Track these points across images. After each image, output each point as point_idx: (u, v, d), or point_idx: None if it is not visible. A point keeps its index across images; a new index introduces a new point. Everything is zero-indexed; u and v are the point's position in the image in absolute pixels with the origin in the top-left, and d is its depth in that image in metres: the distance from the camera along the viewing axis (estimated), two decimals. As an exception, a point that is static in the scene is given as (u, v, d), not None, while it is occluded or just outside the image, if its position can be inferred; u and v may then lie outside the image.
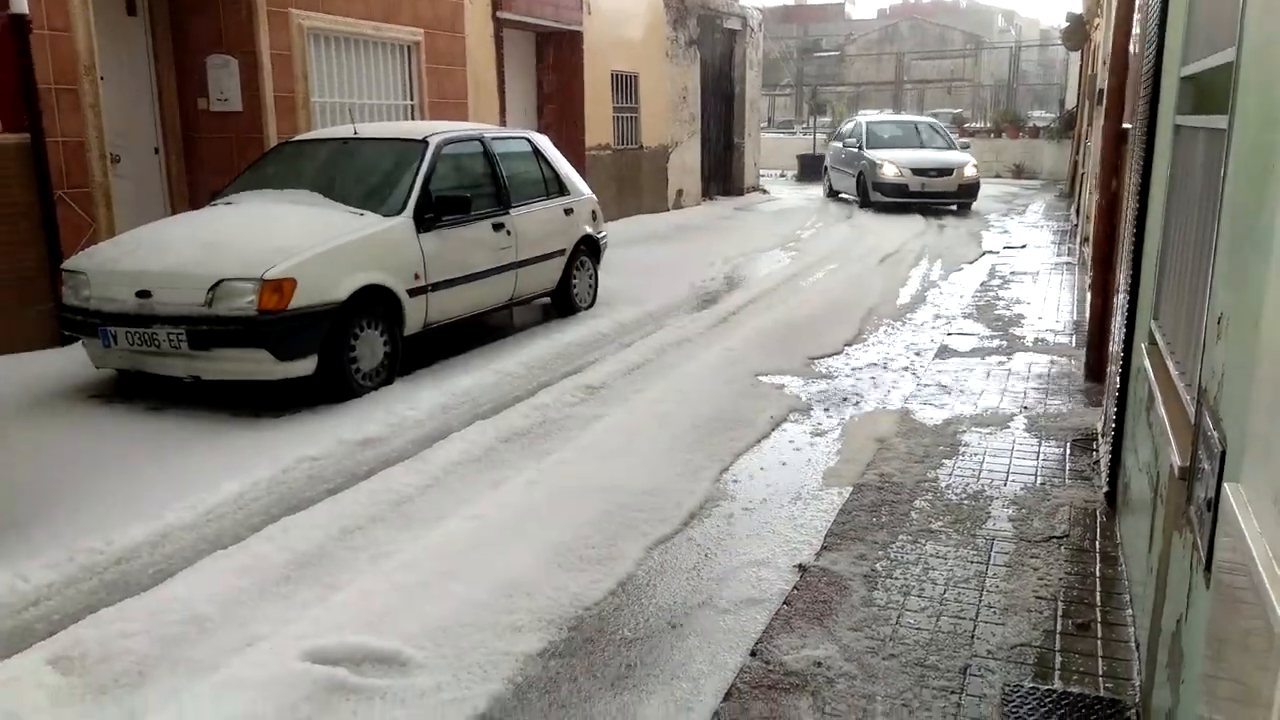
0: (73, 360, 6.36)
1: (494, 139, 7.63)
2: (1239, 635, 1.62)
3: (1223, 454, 1.89)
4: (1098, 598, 3.47)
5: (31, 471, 4.59)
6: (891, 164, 16.98)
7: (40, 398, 5.79)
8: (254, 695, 2.86)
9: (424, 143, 6.84)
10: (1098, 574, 3.65)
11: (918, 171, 16.84)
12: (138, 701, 2.88)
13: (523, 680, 3.03)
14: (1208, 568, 1.95)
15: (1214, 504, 1.91)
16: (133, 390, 5.94)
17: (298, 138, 7.64)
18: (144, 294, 5.52)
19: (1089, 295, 6.28)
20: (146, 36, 8.54)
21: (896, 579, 3.64)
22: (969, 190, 17.03)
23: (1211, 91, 2.81)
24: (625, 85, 15.55)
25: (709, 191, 19.00)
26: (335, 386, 5.75)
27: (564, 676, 3.05)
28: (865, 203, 17.32)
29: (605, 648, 3.22)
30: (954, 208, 17.07)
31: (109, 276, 5.67)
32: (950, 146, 18.25)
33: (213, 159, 8.81)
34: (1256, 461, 1.64)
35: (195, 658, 3.10)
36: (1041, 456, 4.90)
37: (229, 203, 6.71)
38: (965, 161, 17.12)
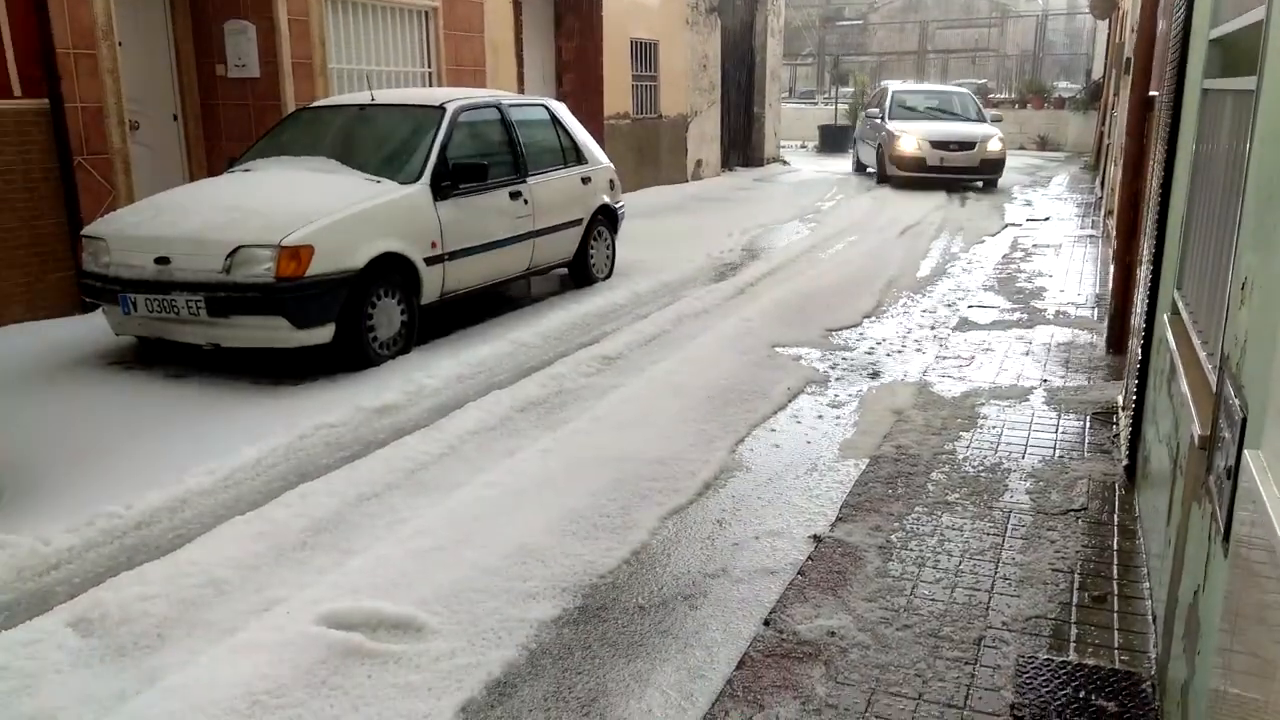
0: (93, 327, 6.41)
1: (511, 106, 7.58)
2: (1257, 605, 1.59)
3: (1244, 421, 1.86)
4: (1115, 570, 3.45)
5: (52, 437, 4.63)
6: (910, 136, 15.75)
7: (61, 364, 5.83)
8: (270, 658, 2.89)
9: (441, 109, 6.81)
10: (1115, 547, 3.62)
11: (936, 145, 15.60)
12: (156, 663, 2.91)
13: (536, 647, 3.04)
14: (1226, 538, 1.92)
15: (1234, 472, 1.89)
16: (153, 357, 5.98)
17: (315, 104, 7.62)
18: (163, 260, 5.54)
19: (1112, 267, 6.19)
20: (164, 2, 8.52)
21: (912, 550, 3.63)
22: (992, 166, 15.81)
23: (1240, 53, 2.74)
24: (645, 53, 15.41)
25: (729, 162, 18.87)
26: (353, 355, 5.76)
27: (577, 644, 3.07)
28: (883, 177, 16.28)
29: (619, 616, 3.23)
30: (979, 184, 16.00)
31: (128, 243, 5.69)
32: (980, 119, 16.76)
33: (231, 126, 8.81)
34: (1277, 427, 1.61)
35: (213, 621, 3.14)
36: (1061, 429, 4.86)
37: (246, 169, 6.71)
38: (990, 135, 15.77)
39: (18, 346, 6.05)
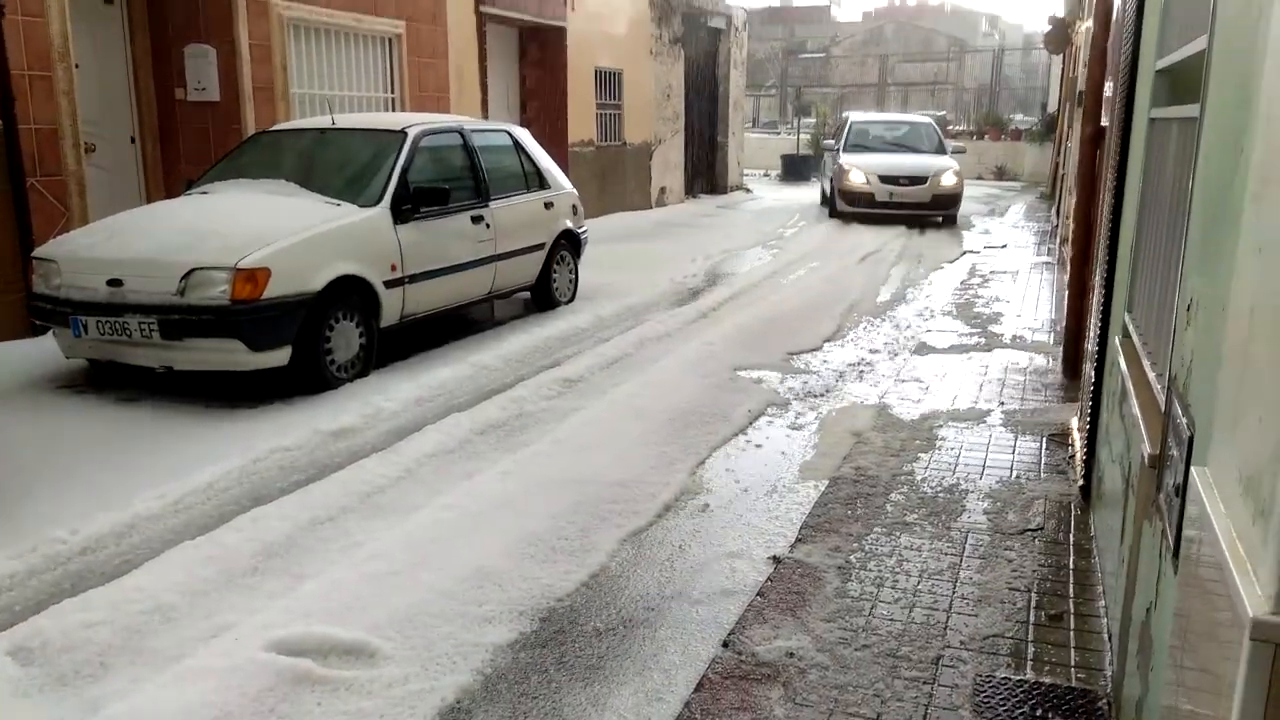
0: (44, 350, 6.27)
1: (473, 131, 7.58)
2: (1204, 620, 1.60)
3: (1190, 439, 1.88)
4: (1071, 589, 3.47)
5: (2, 461, 4.52)
6: (859, 170, 14.85)
7: (10, 387, 5.70)
8: (217, 685, 2.82)
9: (402, 134, 6.79)
10: (1071, 566, 3.65)
11: (886, 179, 14.69)
12: (98, 692, 2.83)
13: (492, 671, 2.99)
14: (1175, 554, 1.94)
15: (1182, 490, 1.90)
16: (105, 381, 5.87)
17: (275, 128, 7.57)
18: (115, 283, 5.45)
19: (1066, 292, 6.29)
20: (123, 25, 8.44)
21: (870, 571, 3.63)
22: (946, 201, 14.77)
23: (1185, 82, 2.81)
24: (609, 82, 15.51)
25: (692, 189, 18.99)
26: (310, 378, 5.69)
27: (534, 668, 3.02)
28: (833, 212, 15.27)
29: (576, 639, 3.19)
30: (939, 219, 15.09)
31: (80, 264, 5.59)
32: (939, 150, 15.95)
33: (190, 149, 8.72)
34: (1223, 444, 1.63)
35: (159, 648, 3.05)
36: (1017, 451, 4.91)
37: (204, 192, 6.64)
38: (944, 169, 14.80)
39: (-36, 370, 5.91)
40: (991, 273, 10.66)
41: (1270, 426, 1.32)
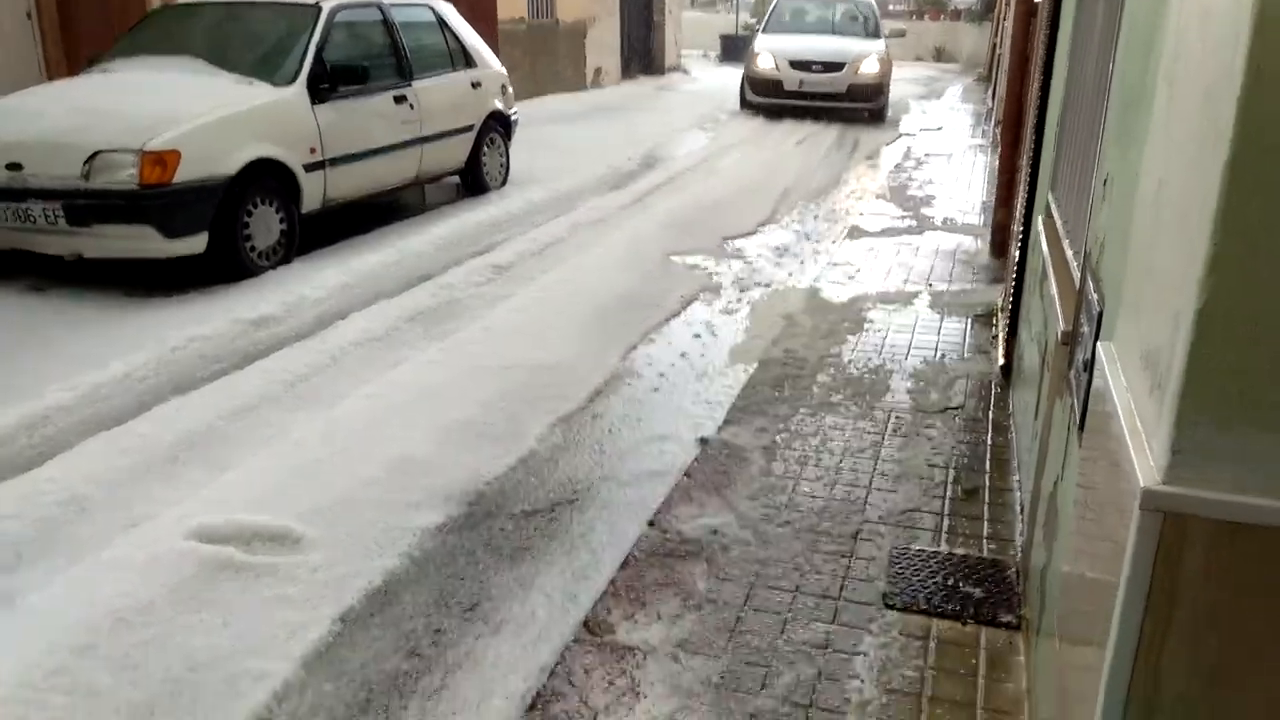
0: (-57, 239, 5.96)
1: (393, 6, 7.20)
2: (1102, 491, 1.65)
3: (1100, 315, 1.90)
4: (987, 465, 3.57)
5: (-102, 354, 4.33)
6: (767, 54, 13.19)
7: (-92, 278, 5.43)
8: (138, 575, 2.79)
9: (316, 7, 6.44)
10: (989, 443, 3.75)
11: (796, 64, 12.94)
12: (13, 583, 2.78)
13: (420, 555, 3.00)
14: (1081, 428, 1.98)
15: (1089, 365, 1.93)
16: (12, 269, 5.61)
17: (181, 1, 7.12)
18: (14, 166, 5.17)
19: (997, 174, 6.31)
20: (7, -117, 7.79)
21: (795, 450, 3.69)
22: (866, 93, 12.92)
23: (1115, -48, 2.74)
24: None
25: (629, 71, 18.51)
26: (229, 265, 5.51)
27: (461, 550, 3.04)
28: (743, 103, 13.68)
29: (504, 522, 3.21)
30: (864, 114, 13.15)
31: (-26, 147, 5.27)
32: (872, 34, 14.10)
33: (91, 25, 8.19)
34: (1127, 319, 1.64)
35: (76, 538, 3.00)
36: (943, 332, 4.98)
37: (106, 70, 6.27)
38: (865, 54, 13.00)
39: None
40: (926, 155, 10.65)
41: (1169, 300, 1.32)
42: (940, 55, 24.88)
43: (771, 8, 15.28)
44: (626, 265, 6.08)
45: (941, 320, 5.16)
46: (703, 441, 3.76)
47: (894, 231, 7.15)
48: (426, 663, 2.54)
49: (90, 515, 3.13)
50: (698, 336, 4.95)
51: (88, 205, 5.08)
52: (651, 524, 3.17)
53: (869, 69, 12.95)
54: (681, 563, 2.96)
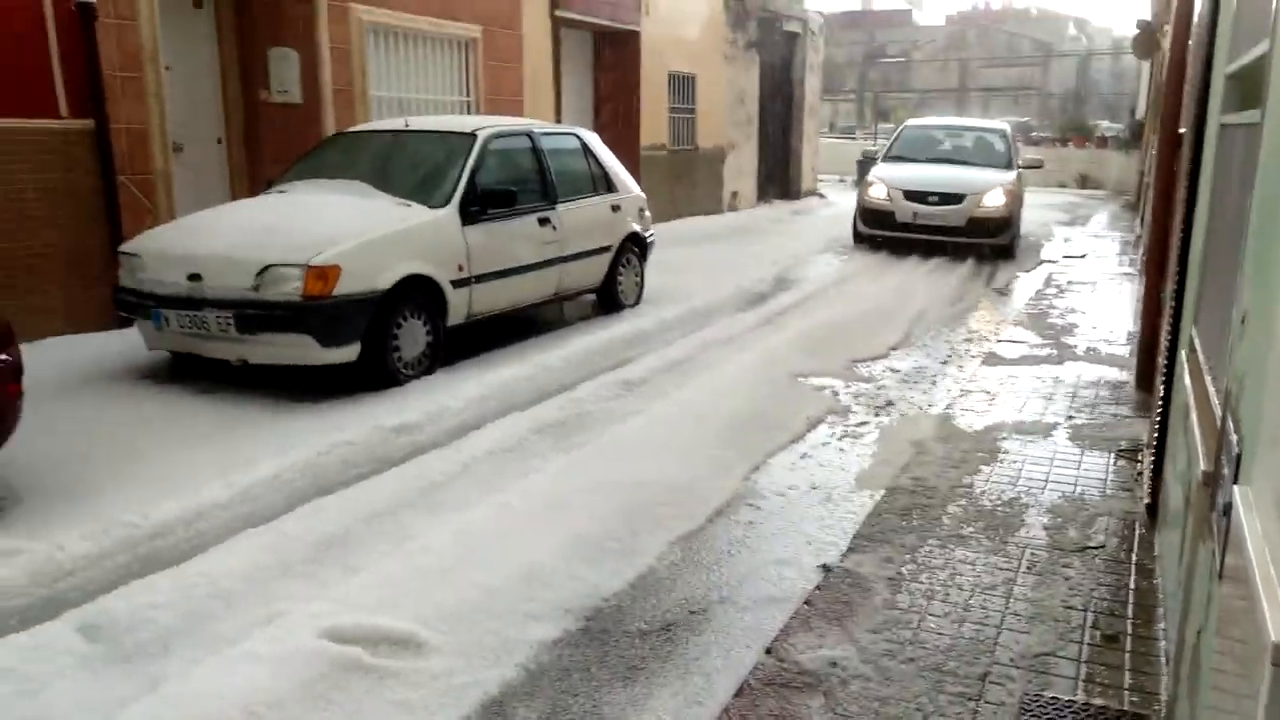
0: (129, 342, 6.53)
1: (543, 134, 7.67)
2: (1239, 645, 1.56)
3: (1239, 456, 1.83)
4: (1130, 610, 3.37)
5: (81, 447, 4.72)
6: (881, 183, 12.39)
7: (96, 377, 5.95)
8: (271, 670, 2.91)
9: (472, 136, 6.91)
10: (1131, 586, 3.54)
11: (911, 195, 11.98)
12: (159, 670, 2.95)
13: (535, 667, 3.04)
14: (1221, 576, 1.88)
15: (1228, 509, 1.85)
16: (184, 372, 6.08)
17: (352, 129, 7.77)
18: (195, 277, 5.65)
19: (1143, 304, 6.12)
20: (211, 28, 8.75)
21: (921, 583, 3.58)
22: (989, 227, 11.76)
23: (1252, 87, 2.72)
24: (682, 86, 15.54)
25: (765, 194, 18.90)
26: (377, 374, 5.83)
27: (576, 665, 3.06)
28: (856, 236, 12.83)
29: (619, 639, 3.21)
30: (986, 249, 11.99)
31: (163, 259, 5.81)
32: (1004, 164, 12.86)
33: (272, 149, 8.98)
34: (1265, 461, 1.58)
35: (218, 631, 3.17)
36: (1083, 467, 4.78)
37: (282, 191, 6.85)
38: (990, 185, 11.91)
39: (55, 359, 6.17)
40: (1069, 283, 10.39)
41: (1306, 445, 1.28)
42: (1085, 182, 24.46)
43: (895, 134, 14.61)
44: (754, 385, 6.12)
45: (1082, 454, 4.96)
46: (825, 569, 3.70)
47: (1032, 360, 6.97)
48: (536, 778, 2.54)
49: (233, 609, 3.30)
50: (822, 459, 4.91)
51: (256, 315, 5.49)
52: (769, 651, 3.12)
53: (993, 202, 11.83)
54: (798, 694, 2.89)
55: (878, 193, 12.36)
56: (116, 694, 2.81)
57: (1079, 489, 4.49)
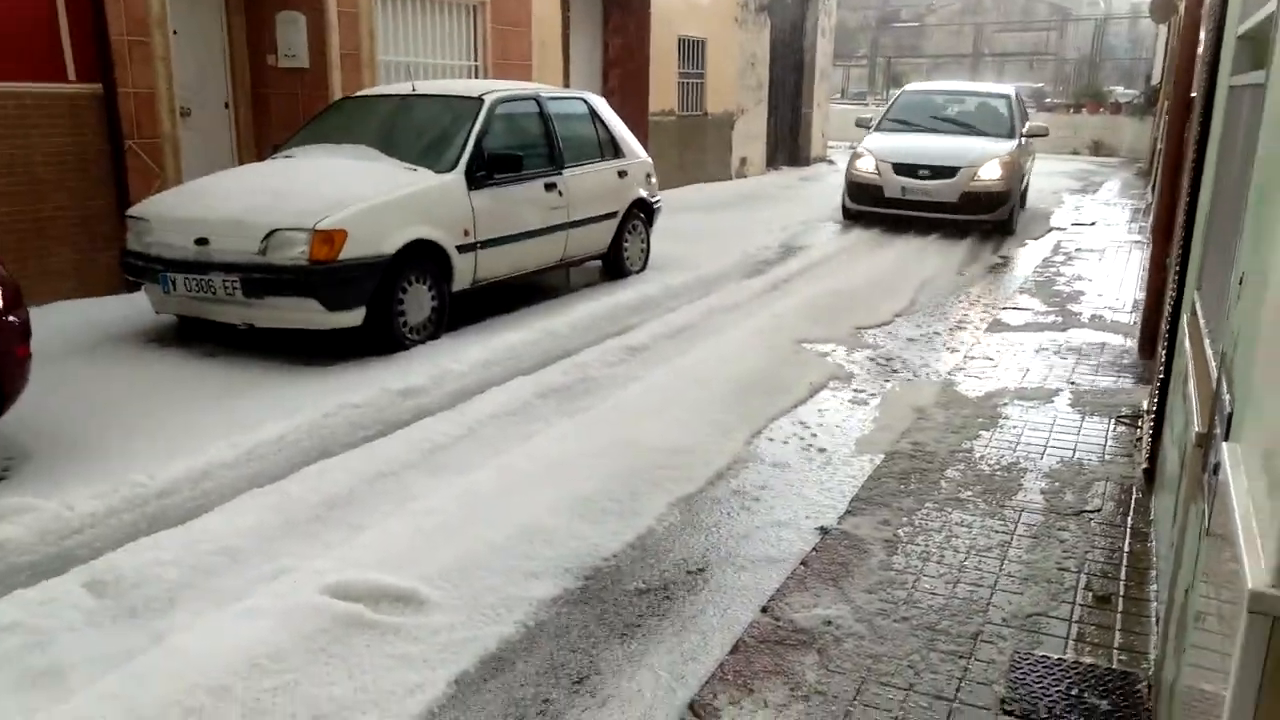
0: (136, 306, 6.57)
1: (550, 99, 7.64)
2: (1219, 597, 1.58)
3: (1230, 415, 1.84)
4: (1123, 572, 3.40)
5: (89, 409, 4.77)
6: (870, 155, 11.46)
7: (103, 340, 6.00)
8: (273, 625, 2.96)
9: (479, 101, 6.89)
10: (1126, 549, 3.57)
11: (900, 169, 11.10)
12: (164, 624, 3.00)
13: (534, 624, 3.08)
14: (1208, 533, 1.90)
15: (1219, 468, 1.86)
16: (191, 336, 6.13)
17: (358, 94, 7.75)
18: (202, 241, 5.67)
19: (1149, 270, 6.09)
20: (217, -8, 8.71)
21: (918, 545, 3.61)
22: (984, 202, 10.80)
23: (1261, 47, 2.70)
24: (692, 50, 15.40)
25: (774, 161, 18.79)
26: (383, 338, 5.86)
27: (575, 622, 3.10)
28: (844, 211, 11.89)
29: (618, 597, 3.26)
30: (985, 225, 11.12)
31: (170, 223, 5.84)
32: (1009, 133, 11.80)
33: (280, 114, 8.98)
34: (1254, 419, 1.59)
35: (222, 587, 3.22)
36: (1083, 432, 4.79)
37: (289, 155, 6.85)
38: (987, 157, 10.92)
39: (65, 322, 6.23)
40: (1077, 250, 10.34)
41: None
42: (1099, 149, 24.21)
43: (890, 101, 13.56)
44: (758, 351, 6.13)
45: (1082, 420, 4.97)
46: (822, 531, 3.73)
47: (1037, 327, 6.96)
48: (533, 730, 2.59)
49: (238, 566, 3.35)
50: (824, 424, 4.93)
51: (262, 279, 5.52)
52: (764, 610, 3.16)
53: (989, 174, 10.84)
54: (792, 651, 2.93)
55: (865, 165, 11.45)
56: (123, 646, 2.87)
57: (1078, 454, 4.51)
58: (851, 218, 11.78)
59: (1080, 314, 7.33)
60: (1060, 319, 7.18)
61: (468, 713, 2.66)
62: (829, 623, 3.07)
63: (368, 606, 3.09)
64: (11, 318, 3.94)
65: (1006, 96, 12.78)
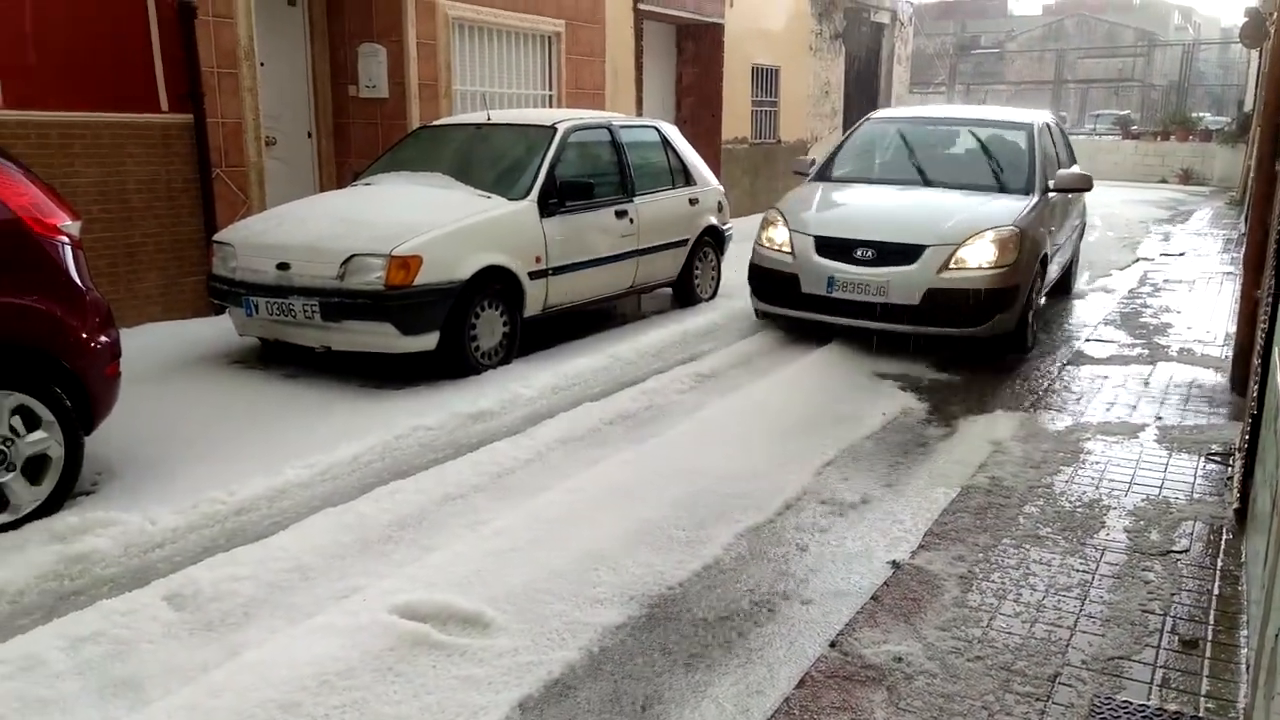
0: (221, 328, 6.79)
1: (622, 127, 7.71)
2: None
3: (1323, 456, 1.75)
4: (1211, 616, 3.26)
5: (173, 428, 4.93)
6: (783, 224, 7.08)
7: (190, 361, 6.21)
8: (343, 642, 3.00)
9: (552, 129, 6.99)
10: (1215, 592, 3.42)
11: (829, 247, 6.75)
12: (240, 638, 3.07)
13: (598, 650, 3.07)
14: (1302, 578, 1.81)
15: (1312, 509, 1.78)
16: (272, 358, 6.30)
17: (435, 123, 7.92)
18: (283, 266, 5.83)
19: (1240, 303, 5.87)
20: (304, 25, 9.02)
21: (993, 582, 3.51)
22: (961, 307, 6.39)
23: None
24: (765, 78, 15.43)
25: (848, 189, 18.64)
26: (455, 363, 5.94)
27: (639, 650, 3.08)
28: (757, 311, 7.51)
29: (683, 626, 3.23)
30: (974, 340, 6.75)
31: (253, 249, 6.02)
32: (1022, 187, 7.19)
33: (360, 143, 9.24)
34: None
35: (295, 603, 3.28)
36: (1170, 469, 4.62)
37: (368, 183, 7.03)
38: (975, 227, 6.51)
39: (152, 344, 6.45)
40: (1165, 281, 10.03)
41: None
42: (1188, 177, 23.50)
43: (844, 138, 8.62)
44: (830, 380, 6.06)
45: (1170, 457, 4.79)
46: (894, 565, 3.65)
47: (1122, 360, 6.75)
48: (595, 758, 2.57)
49: (310, 583, 3.42)
50: (897, 456, 4.85)
51: (340, 303, 5.65)
52: (833, 645, 3.10)
53: (979, 257, 6.39)
54: (861, 688, 2.86)
55: (776, 239, 7.00)
56: (199, 659, 2.94)
57: (1164, 492, 4.34)
58: (763, 317, 7.46)
59: (1168, 347, 7.10)
60: (1147, 352, 6.95)
61: (531, 738, 2.66)
62: (899, 659, 3.00)
63: (435, 627, 3.11)
64: (103, 338, 4.09)
65: (1026, 127, 7.74)
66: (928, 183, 7.54)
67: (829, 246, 6.72)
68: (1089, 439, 5.06)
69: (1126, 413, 5.50)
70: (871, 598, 3.40)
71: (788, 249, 6.92)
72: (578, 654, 3.04)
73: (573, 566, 3.54)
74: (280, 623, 3.15)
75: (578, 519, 3.93)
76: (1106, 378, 6.26)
